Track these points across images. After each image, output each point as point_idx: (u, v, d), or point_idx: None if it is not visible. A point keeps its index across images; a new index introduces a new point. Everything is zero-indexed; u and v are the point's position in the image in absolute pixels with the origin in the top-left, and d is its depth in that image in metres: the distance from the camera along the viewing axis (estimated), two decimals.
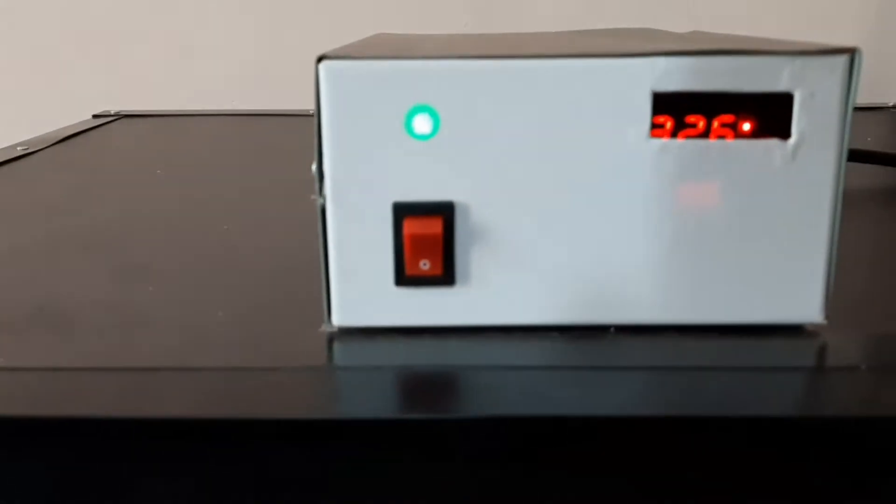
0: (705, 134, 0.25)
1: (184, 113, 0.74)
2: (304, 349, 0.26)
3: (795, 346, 0.26)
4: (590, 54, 0.24)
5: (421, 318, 0.27)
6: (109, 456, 0.22)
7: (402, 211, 0.25)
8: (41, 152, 0.57)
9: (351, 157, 0.25)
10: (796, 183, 0.25)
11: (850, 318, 0.27)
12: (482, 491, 0.22)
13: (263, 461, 0.22)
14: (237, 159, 0.57)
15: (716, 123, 0.25)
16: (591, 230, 0.26)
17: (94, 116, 0.73)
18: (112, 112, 0.74)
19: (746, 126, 0.25)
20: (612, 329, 0.27)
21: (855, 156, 0.43)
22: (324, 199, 0.25)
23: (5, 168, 0.52)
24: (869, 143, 0.57)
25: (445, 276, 0.26)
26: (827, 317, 0.26)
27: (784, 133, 0.25)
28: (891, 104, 0.73)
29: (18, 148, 0.56)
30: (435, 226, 0.25)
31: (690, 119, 0.25)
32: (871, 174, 0.46)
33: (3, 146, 0.57)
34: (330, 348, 0.26)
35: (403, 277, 0.26)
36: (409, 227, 0.25)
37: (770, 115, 0.25)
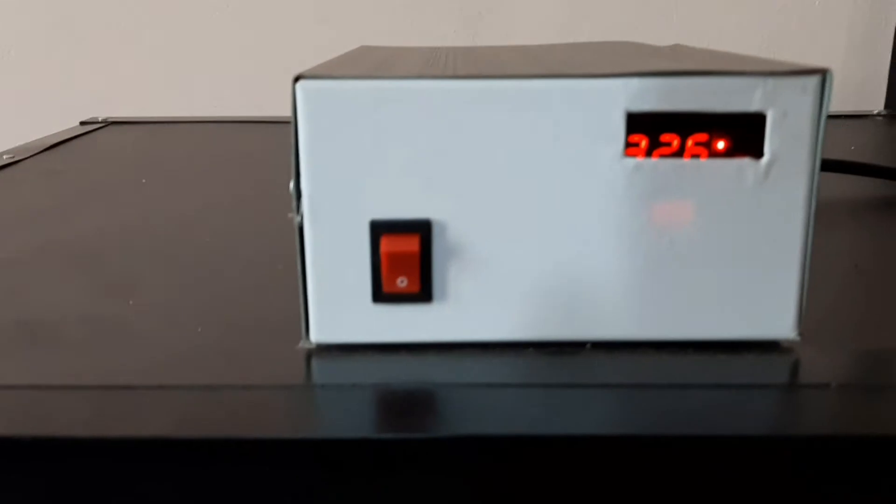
0: (679, 153, 0.25)
1: (172, 120, 0.74)
2: (283, 366, 0.26)
3: (768, 362, 0.26)
4: (564, 75, 0.25)
5: (398, 335, 0.27)
6: (84, 476, 0.22)
7: (380, 229, 0.26)
8: (27, 161, 0.57)
9: (328, 176, 0.25)
10: (769, 201, 0.25)
11: (825, 333, 0.28)
12: None
13: (241, 481, 0.22)
14: (224, 168, 0.57)
15: (690, 142, 0.25)
16: (567, 247, 0.26)
17: (82, 123, 0.73)
18: (100, 119, 0.74)
19: (720, 145, 0.25)
20: (588, 345, 0.27)
21: (833, 166, 0.44)
22: (301, 217, 0.26)
23: None
24: (853, 152, 0.58)
25: (422, 293, 0.26)
26: (800, 333, 0.27)
27: (757, 152, 0.25)
28: (875, 112, 0.74)
29: (4, 156, 0.56)
30: (412, 244, 0.26)
31: (665, 138, 0.25)
32: (850, 185, 0.46)
33: None
34: (308, 365, 0.26)
35: (381, 294, 0.26)
36: (387, 244, 0.26)
37: (743, 134, 0.25)
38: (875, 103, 0.79)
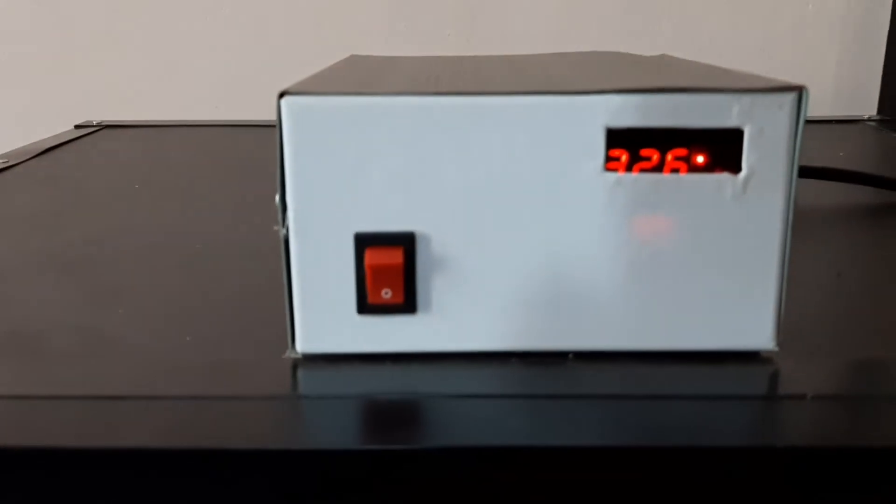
0: (659, 167, 0.26)
1: (167, 123, 0.74)
2: (269, 376, 0.26)
3: (746, 373, 0.27)
4: (545, 91, 0.25)
5: (383, 345, 0.27)
6: (70, 487, 0.22)
7: (364, 242, 0.26)
8: (21, 165, 0.57)
9: (313, 190, 0.26)
10: (747, 215, 0.26)
11: (805, 343, 0.28)
12: None
13: (227, 492, 0.23)
14: (218, 173, 0.57)
15: (669, 157, 0.26)
16: (549, 260, 0.26)
17: (76, 127, 0.73)
18: (94, 122, 0.74)
19: (700, 159, 0.26)
20: (570, 355, 0.27)
21: (814, 173, 0.44)
22: (287, 230, 0.26)
23: None
24: (840, 159, 0.58)
25: (407, 304, 0.27)
26: (779, 344, 0.27)
27: (735, 167, 0.26)
28: (866, 117, 0.74)
29: None
30: (396, 256, 0.26)
31: (645, 153, 0.26)
32: (833, 192, 0.47)
33: None
34: (294, 375, 0.27)
35: (366, 306, 0.27)
36: (371, 257, 0.26)
37: (721, 149, 0.25)
38: (868, 108, 0.79)
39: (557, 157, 0.26)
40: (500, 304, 0.27)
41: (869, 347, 0.29)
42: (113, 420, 0.24)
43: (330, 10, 0.81)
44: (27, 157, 0.59)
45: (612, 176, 0.26)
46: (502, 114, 0.25)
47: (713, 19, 0.81)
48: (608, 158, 0.26)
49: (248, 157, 0.62)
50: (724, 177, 0.26)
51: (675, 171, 0.26)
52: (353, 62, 0.36)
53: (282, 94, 0.25)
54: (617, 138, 0.25)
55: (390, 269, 0.26)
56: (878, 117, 0.75)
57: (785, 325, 0.27)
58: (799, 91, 0.25)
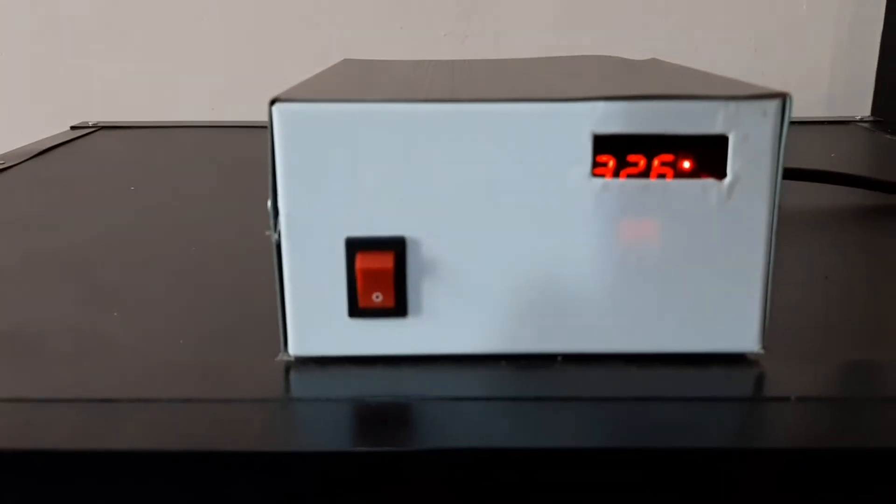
0: (646, 172, 0.26)
1: (163, 124, 0.75)
2: (262, 379, 0.27)
3: (732, 376, 0.27)
4: (534, 98, 0.26)
5: (374, 348, 0.28)
6: (65, 490, 0.23)
7: (355, 246, 0.26)
8: (18, 167, 0.57)
9: (304, 195, 0.26)
10: (732, 220, 0.26)
11: (791, 345, 0.29)
12: None
13: (220, 494, 0.23)
14: (214, 174, 0.58)
15: (656, 162, 0.26)
16: (538, 264, 0.27)
17: (73, 128, 0.73)
18: (91, 123, 0.74)
19: (686, 164, 0.26)
20: (558, 358, 0.28)
21: (800, 175, 0.45)
22: (278, 234, 0.26)
23: None
24: (833, 159, 0.58)
25: (397, 307, 0.27)
26: (764, 346, 0.27)
27: (720, 173, 0.26)
28: (859, 118, 0.74)
29: None
30: (386, 260, 0.26)
31: (632, 158, 0.26)
32: (820, 194, 0.47)
33: None
34: (286, 378, 0.27)
35: (357, 309, 0.27)
36: (362, 261, 0.26)
37: (707, 155, 0.26)
38: (862, 109, 0.80)
39: (545, 162, 0.26)
40: (489, 307, 0.27)
41: (853, 350, 0.29)
42: (106, 423, 0.24)
43: (326, 12, 0.82)
44: (23, 158, 0.59)
45: (599, 181, 0.26)
46: (491, 120, 0.26)
47: (707, 20, 0.82)
48: (595, 164, 0.26)
49: (243, 158, 0.62)
50: (709, 182, 0.26)
51: (662, 176, 0.26)
52: (346, 67, 0.37)
53: (273, 101, 0.25)
54: (604, 144, 0.26)
55: (381, 273, 0.26)
56: (871, 118, 0.75)
57: (770, 328, 0.27)
58: (783, 98, 0.25)
